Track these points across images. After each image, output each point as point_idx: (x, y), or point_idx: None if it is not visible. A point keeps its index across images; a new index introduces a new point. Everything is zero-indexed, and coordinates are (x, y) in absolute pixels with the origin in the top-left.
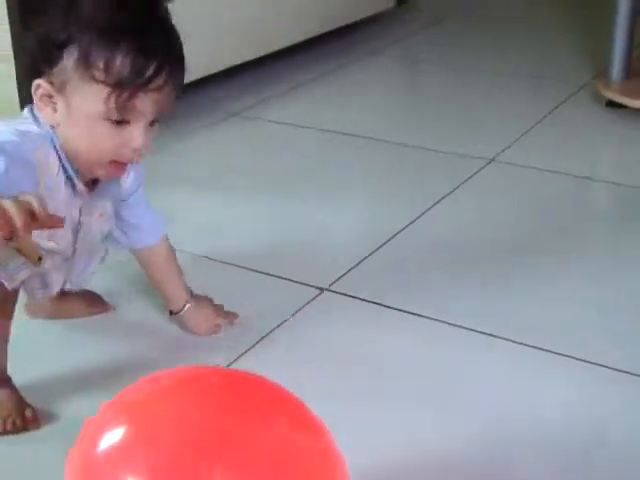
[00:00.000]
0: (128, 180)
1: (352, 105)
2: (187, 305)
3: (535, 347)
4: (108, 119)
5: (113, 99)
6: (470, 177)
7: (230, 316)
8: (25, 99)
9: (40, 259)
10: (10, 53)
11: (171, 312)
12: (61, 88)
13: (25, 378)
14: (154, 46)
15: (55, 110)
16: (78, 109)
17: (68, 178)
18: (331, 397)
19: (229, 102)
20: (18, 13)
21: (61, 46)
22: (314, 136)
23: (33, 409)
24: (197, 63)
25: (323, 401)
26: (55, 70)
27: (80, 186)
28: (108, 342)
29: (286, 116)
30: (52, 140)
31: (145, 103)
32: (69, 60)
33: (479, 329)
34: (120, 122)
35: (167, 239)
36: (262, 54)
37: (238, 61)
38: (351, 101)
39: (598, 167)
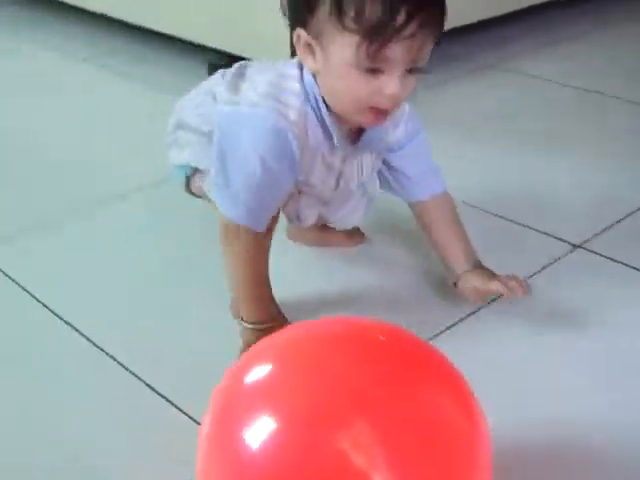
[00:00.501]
0: (397, 131)
1: (610, 67)
2: (459, 281)
3: None
4: (361, 68)
5: (364, 48)
6: None
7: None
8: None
9: None
10: None
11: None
12: (318, 37)
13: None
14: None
15: (315, 59)
16: (333, 57)
17: (327, 134)
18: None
19: (484, 54)
20: None
21: None
22: (572, 94)
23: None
24: (454, 12)
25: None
26: (313, 20)
27: (338, 139)
28: (350, 272)
29: (543, 71)
30: (314, 93)
31: (397, 52)
32: (324, 9)
33: None
34: (374, 70)
35: (447, 200)
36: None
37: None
38: (609, 63)
39: None
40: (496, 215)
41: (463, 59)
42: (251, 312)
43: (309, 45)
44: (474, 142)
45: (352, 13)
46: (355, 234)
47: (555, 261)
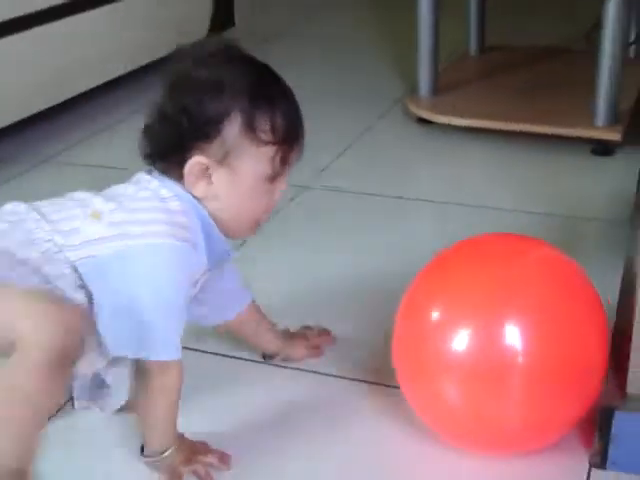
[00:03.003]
0: None
1: None
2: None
3: None
4: (268, 178)
5: (278, 157)
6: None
7: (325, 336)
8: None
9: None
10: None
11: (264, 356)
12: (222, 159)
13: None
14: (294, 103)
15: (210, 182)
16: (242, 174)
17: (212, 251)
18: None
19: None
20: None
21: (220, 118)
22: None
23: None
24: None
25: None
26: (214, 144)
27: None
28: None
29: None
30: (201, 215)
31: (294, 156)
32: (231, 130)
33: None
34: (274, 179)
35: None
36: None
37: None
38: None
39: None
40: None
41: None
42: (168, 437)
43: (206, 170)
44: None
45: (267, 127)
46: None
47: None
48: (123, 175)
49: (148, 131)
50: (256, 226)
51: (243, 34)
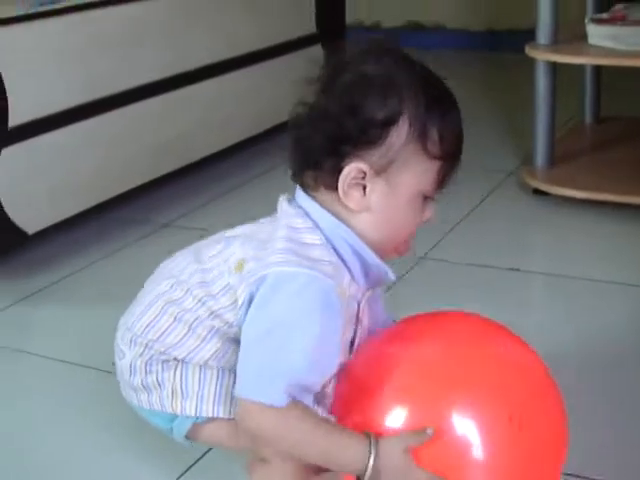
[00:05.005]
0: None
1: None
2: None
3: None
4: (425, 194)
5: (442, 173)
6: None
7: None
8: None
9: None
10: None
11: None
12: (383, 168)
13: None
14: (460, 113)
15: (364, 194)
16: (401, 187)
17: (365, 271)
18: None
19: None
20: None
21: (388, 123)
22: None
23: None
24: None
25: None
26: (378, 151)
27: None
28: None
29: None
30: (343, 235)
31: (453, 174)
32: (398, 136)
33: None
34: (428, 197)
35: None
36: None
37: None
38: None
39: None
40: None
41: (138, 222)
42: (360, 449)
43: (362, 180)
44: None
45: (435, 138)
46: None
47: None
48: None
49: (299, 135)
50: (402, 247)
51: None
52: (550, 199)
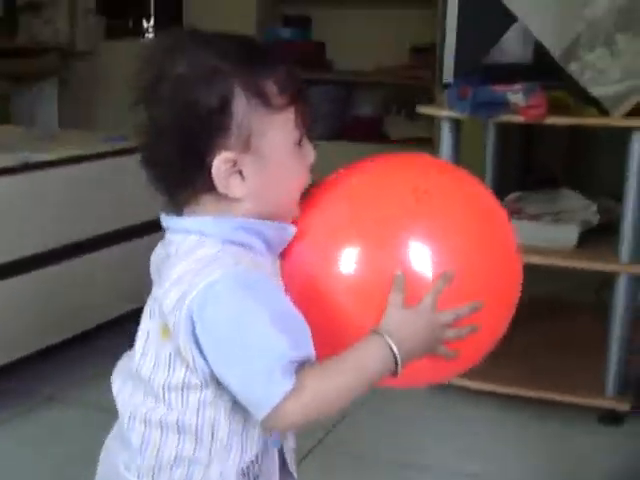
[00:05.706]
0: None
1: None
2: None
3: None
4: (296, 143)
5: (299, 114)
6: None
7: None
8: None
9: None
10: None
11: None
12: (246, 145)
13: None
14: (282, 54)
15: (243, 178)
16: (273, 149)
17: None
18: None
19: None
20: None
21: (225, 103)
22: None
23: None
24: None
25: None
26: (231, 132)
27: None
28: None
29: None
30: (234, 229)
31: (307, 112)
32: (241, 109)
33: None
34: (301, 141)
35: None
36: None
37: None
38: None
39: None
40: None
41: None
42: (381, 345)
43: (234, 165)
44: None
45: (274, 90)
46: None
47: None
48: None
49: (151, 159)
50: (298, 206)
51: None
52: (440, 389)
